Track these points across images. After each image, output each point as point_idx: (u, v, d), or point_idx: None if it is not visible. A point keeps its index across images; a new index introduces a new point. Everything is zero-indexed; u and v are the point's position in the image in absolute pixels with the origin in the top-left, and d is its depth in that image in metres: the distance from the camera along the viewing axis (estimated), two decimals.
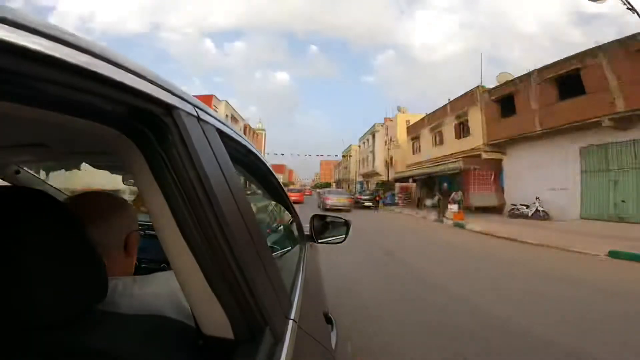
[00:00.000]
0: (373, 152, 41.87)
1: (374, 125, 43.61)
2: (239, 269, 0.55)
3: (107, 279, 0.57)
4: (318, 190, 44.80)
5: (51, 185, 1.57)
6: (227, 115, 36.76)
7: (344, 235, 1.92)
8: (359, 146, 51.67)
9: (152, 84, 0.46)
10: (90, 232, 0.58)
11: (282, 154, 71.04)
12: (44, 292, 0.48)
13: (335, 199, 19.51)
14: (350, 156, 59.55)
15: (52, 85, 0.34)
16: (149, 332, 0.57)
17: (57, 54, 0.32)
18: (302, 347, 0.75)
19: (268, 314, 0.61)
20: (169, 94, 0.50)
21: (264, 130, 67.03)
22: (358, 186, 47.93)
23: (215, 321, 0.55)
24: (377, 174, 39.44)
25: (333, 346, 1.13)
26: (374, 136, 43.16)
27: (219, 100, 38.24)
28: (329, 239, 1.91)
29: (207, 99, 33.97)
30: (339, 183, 72.06)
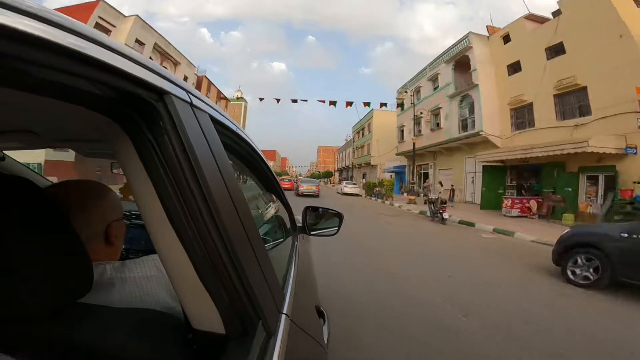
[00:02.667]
0: (469, 100, 18.34)
1: (465, 39, 19.02)
2: (231, 262, 0.53)
3: (93, 271, 0.55)
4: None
5: (36, 172, 1.54)
6: (136, 40, 20.74)
7: (336, 228, 1.92)
8: (400, 104, 26.19)
9: (143, 67, 0.44)
10: (72, 222, 0.56)
11: (245, 98, 51.04)
12: (28, 283, 0.46)
13: (305, 187, 22.81)
14: (371, 121, 35.98)
15: (39, 68, 0.32)
16: (135, 326, 0.55)
17: (45, 35, 0.31)
18: (295, 342, 0.74)
19: (261, 308, 0.60)
20: (161, 79, 0.48)
21: (244, 100, 52.25)
22: (387, 176, 27.69)
23: (206, 316, 0.53)
24: (484, 142, 16.97)
25: (325, 340, 1.12)
26: (458, 66, 19.63)
27: (119, 13, 20.04)
28: (322, 231, 1.90)
29: (87, 7, 18.15)
30: (345, 172, 52.27)
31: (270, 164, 1.52)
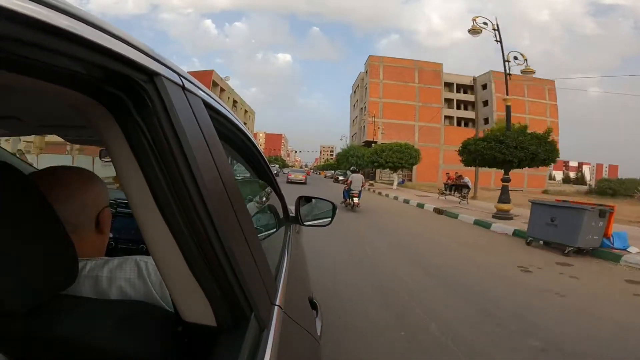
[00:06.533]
0: None
1: None
2: (223, 252, 0.51)
3: (78, 261, 0.53)
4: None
5: (19, 158, 1.50)
6: None
7: (330, 218, 1.91)
8: None
9: (134, 48, 0.42)
10: (60, 210, 0.54)
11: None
12: (8, 275, 0.44)
13: (293, 175, 26.87)
14: None
15: (24, 47, 0.30)
16: (123, 318, 0.53)
17: (31, 13, 0.29)
18: (288, 334, 0.73)
19: (253, 300, 0.58)
20: (153, 60, 0.45)
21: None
22: None
23: (197, 307, 0.52)
24: None
25: (318, 332, 1.11)
26: None
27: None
28: (315, 221, 1.89)
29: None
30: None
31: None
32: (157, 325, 0.55)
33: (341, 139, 44.98)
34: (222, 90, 39.57)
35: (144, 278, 0.63)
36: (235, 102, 43.82)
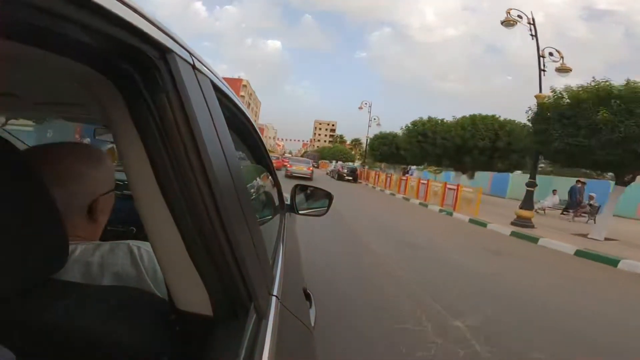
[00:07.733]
0: None
1: None
2: (227, 239, 0.50)
3: (68, 244, 0.50)
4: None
5: (12, 134, 1.46)
6: None
7: (325, 208, 1.90)
8: None
9: (147, 21, 0.39)
10: (53, 191, 0.51)
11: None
12: None
13: (294, 167, 20.69)
14: None
15: (31, 12, 0.28)
16: (113, 304, 0.51)
17: None
18: (284, 325, 0.71)
19: (254, 290, 0.56)
20: (166, 36, 0.43)
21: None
22: None
23: (193, 296, 0.50)
24: None
25: (312, 323, 1.11)
26: None
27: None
28: (310, 210, 1.88)
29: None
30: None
31: None
32: (149, 313, 0.54)
33: (374, 120, 32.72)
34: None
35: (137, 264, 0.61)
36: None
